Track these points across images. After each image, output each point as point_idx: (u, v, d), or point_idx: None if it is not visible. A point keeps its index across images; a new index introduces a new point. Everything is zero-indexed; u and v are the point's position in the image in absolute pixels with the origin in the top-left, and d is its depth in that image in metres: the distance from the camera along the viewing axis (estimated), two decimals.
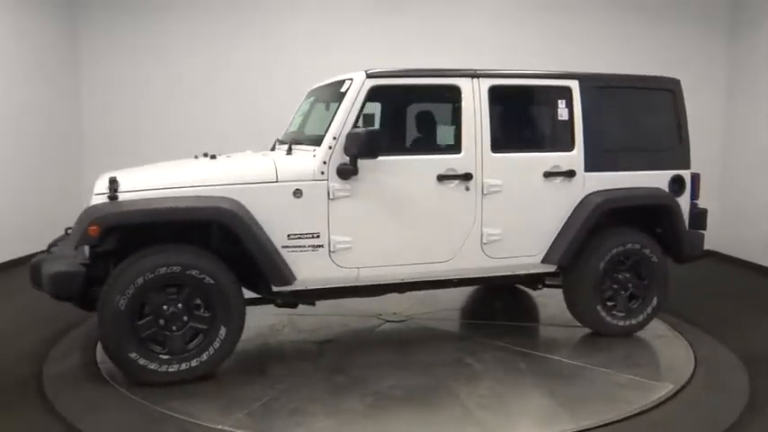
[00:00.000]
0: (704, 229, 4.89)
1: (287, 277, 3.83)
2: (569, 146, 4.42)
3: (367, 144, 3.78)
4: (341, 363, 4.05)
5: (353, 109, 3.95)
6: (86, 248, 3.64)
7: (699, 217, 4.85)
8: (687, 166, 4.79)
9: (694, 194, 4.84)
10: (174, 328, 3.65)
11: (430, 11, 7.74)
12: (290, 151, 4.17)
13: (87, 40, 7.90)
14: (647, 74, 4.79)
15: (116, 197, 3.64)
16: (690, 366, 4.03)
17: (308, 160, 3.95)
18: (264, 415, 3.28)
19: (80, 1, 7.84)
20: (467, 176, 4.15)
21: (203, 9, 7.81)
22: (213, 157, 4.28)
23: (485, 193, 4.21)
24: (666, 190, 4.68)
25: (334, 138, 3.91)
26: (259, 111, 7.38)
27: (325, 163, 3.90)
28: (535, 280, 4.72)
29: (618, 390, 3.64)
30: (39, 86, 7.30)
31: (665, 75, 4.82)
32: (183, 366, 3.65)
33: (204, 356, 3.68)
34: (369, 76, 4.01)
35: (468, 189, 4.18)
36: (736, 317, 5.31)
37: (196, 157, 4.38)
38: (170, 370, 3.62)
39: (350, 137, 3.83)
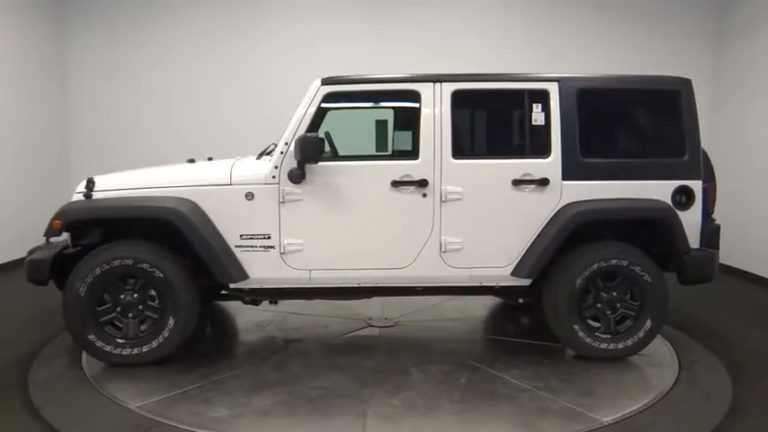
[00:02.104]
0: (716, 247, 4.32)
1: (232, 275, 4.03)
2: (544, 152, 4.15)
3: (306, 149, 3.88)
4: (288, 361, 4.18)
5: (306, 115, 4.07)
6: (69, 239, 4.15)
7: (710, 234, 4.30)
8: (697, 177, 4.26)
9: (707, 208, 4.31)
10: (129, 315, 4.02)
11: (433, 16, 7.70)
12: (260, 156, 4.40)
13: (77, 47, 8.00)
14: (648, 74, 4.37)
15: (90, 196, 4.09)
16: (651, 400, 3.64)
17: (263, 165, 4.14)
18: (175, 402, 3.51)
19: (68, 3, 7.95)
20: (422, 183, 4.08)
21: (201, 9, 7.87)
22: (192, 161, 4.62)
23: (443, 200, 4.10)
24: (668, 202, 4.22)
25: (286, 143, 4.06)
26: (261, 113, 7.46)
27: (276, 167, 4.06)
28: (512, 293, 4.49)
29: (539, 416, 3.38)
30: (36, 91, 7.53)
31: None
32: (135, 351, 4.00)
33: (154, 344, 4.00)
34: (324, 82, 4.11)
35: (425, 196, 4.10)
36: (725, 324, 5.24)
37: (189, 160, 4.75)
38: (123, 353, 3.99)
39: (296, 142, 3.96)
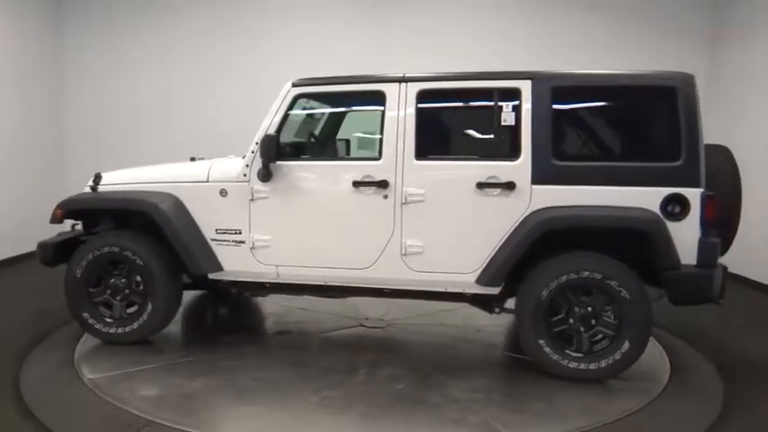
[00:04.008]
0: (713, 266, 3.78)
1: (202, 266, 4.29)
2: (513, 155, 3.92)
3: (263, 149, 4.05)
4: (253, 352, 4.35)
5: (276, 116, 4.22)
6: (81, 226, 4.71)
7: (706, 249, 3.78)
8: (695, 184, 3.77)
9: (706, 220, 3.79)
10: (118, 297, 4.44)
11: (432, 16, 7.52)
12: (245, 156, 4.63)
13: (74, 46, 8.06)
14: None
15: (96, 188, 4.59)
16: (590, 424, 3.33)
17: (239, 163, 4.36)
18: (126, 377, 3.84)
19: (66, 3, 7.92)
20: (382, 184, 4.04)
21: (201, 9, 7.87)
22: (193, 159, 4.97)
23: (404, 201, 4.04)
24: (657, 211, 3.78)
25: (257, 143, 4.24)
26: (260, 113, 7.27)
27: (247, 166, 4.26)
28: (486, 302, 4.27)
29: (449, 428, 3.24)
30: (34, 90, 7.61)
31: None
32: (120, 330, 4.40)
33: (135, 325, 4.38)
34: (294, 84, 4.23)
35: (386, 197, 4.07)
36: (717, 329, 5.15)
37: (191, 159, 5.11)
38: (110, 331, 4.41)
39: (260, 142, 4.13)
